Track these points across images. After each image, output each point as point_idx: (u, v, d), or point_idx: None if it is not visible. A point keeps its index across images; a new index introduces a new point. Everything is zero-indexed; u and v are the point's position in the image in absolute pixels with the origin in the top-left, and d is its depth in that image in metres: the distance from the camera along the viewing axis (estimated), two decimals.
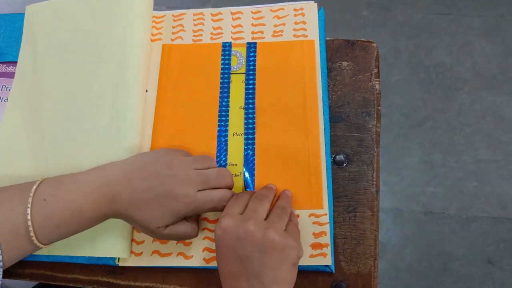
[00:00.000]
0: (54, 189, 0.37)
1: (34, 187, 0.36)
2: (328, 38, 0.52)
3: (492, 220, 1.14)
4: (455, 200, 1.16)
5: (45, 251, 0.44)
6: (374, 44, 0.51)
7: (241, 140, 0.47)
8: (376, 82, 0.50)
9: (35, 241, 0.36)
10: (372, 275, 0.42)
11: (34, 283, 0.60)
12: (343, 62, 0.51)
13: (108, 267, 0.44)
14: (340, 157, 0.47)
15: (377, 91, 0.49)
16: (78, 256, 0.44)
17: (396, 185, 1.19)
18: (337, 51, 0.51)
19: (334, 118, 0.48)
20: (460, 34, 1.35)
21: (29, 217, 0.35)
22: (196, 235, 0.41)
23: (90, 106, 0.48)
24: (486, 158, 1.20)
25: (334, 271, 0.43)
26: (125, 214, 0.37)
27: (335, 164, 0.46)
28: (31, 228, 0.35)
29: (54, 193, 0.37)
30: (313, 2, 0.53)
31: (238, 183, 0.45)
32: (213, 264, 0.42)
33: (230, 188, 0.41)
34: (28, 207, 0.35)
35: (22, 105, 0.49)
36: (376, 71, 0.50)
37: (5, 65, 0.53)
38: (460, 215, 1.15)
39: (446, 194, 1.17)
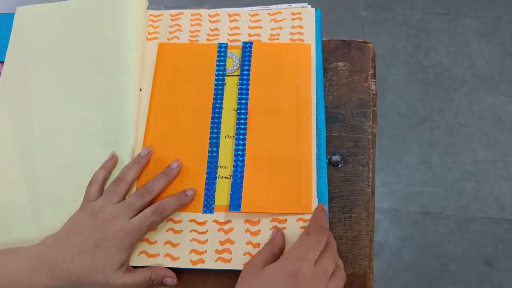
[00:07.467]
0: None
1: None
2: (324, 39, 0.52)
3: (490, 221, 1.14)
4: (453, 201, 1.16)
5: None
6: (370, 45, 0.51)
7: (232, 142, 0.46)
8: (372, 83, 0.49)
9: None
10: (367, 276, 0.42)
11: None
12: (339, 63, 0.50)
13: None
14: (336, 157, 0.46)
15: (373, 92, 0.49)
16: None
17: (394, 185, 1.18)
18: (333, 52, 0.51)
19: (330, 118, 0.48)
20: (459, 34, 1.35)
21: None
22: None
23: (84, 108, 0.48)
24: (484, 158, 1.20)
25: None
26: (71, 277, 0.38)
27: (330, 165, 0.46)
28: None
29: None
30: (309, 6, 0.53)
31: (226, 186, 0.45)
32: (200, 266, 0.42)
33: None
34: None
35: (9, 106, 0.49)
36: (372, 72, 0.50)
37: (0, 65, 0.53)
38: (458, 215, 1.15)
39: (444, 194, 1.17)
